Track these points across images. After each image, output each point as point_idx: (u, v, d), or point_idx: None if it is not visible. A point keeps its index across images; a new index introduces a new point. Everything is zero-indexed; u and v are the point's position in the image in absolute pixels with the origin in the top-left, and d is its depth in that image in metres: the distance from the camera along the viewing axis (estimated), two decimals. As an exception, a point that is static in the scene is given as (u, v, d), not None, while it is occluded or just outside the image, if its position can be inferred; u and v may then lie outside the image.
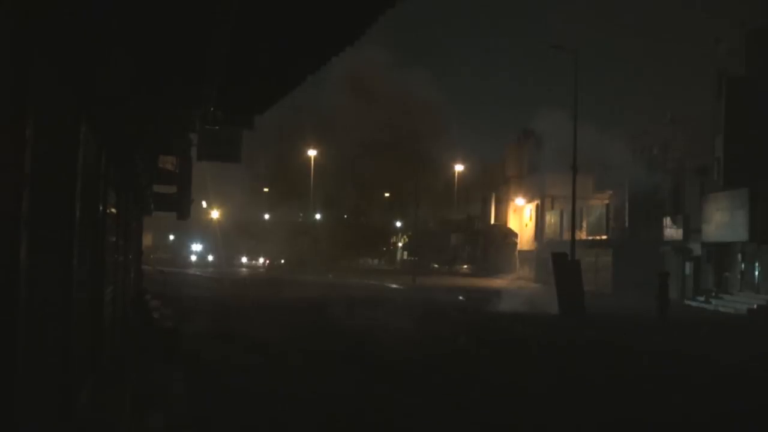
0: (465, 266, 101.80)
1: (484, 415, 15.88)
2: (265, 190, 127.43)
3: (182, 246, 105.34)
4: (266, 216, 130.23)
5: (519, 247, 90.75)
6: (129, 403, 11.21)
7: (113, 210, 14.47)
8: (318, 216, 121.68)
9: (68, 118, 8.09)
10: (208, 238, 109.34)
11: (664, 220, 59.54)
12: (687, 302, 52.68)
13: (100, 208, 11.85)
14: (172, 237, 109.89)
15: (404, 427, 14.61)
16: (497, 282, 75.67)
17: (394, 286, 68.90)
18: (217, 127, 24.48)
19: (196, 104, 9.11)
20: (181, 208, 31.82)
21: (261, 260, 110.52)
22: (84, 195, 9.11)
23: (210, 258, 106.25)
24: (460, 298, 54.27)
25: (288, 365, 21.66)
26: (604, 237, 66.30)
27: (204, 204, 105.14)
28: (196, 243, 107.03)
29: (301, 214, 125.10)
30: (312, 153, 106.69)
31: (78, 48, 7.01)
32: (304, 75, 9.54)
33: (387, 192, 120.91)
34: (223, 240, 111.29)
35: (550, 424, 15.28)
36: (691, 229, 55.33)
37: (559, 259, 44.37)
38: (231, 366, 20.78)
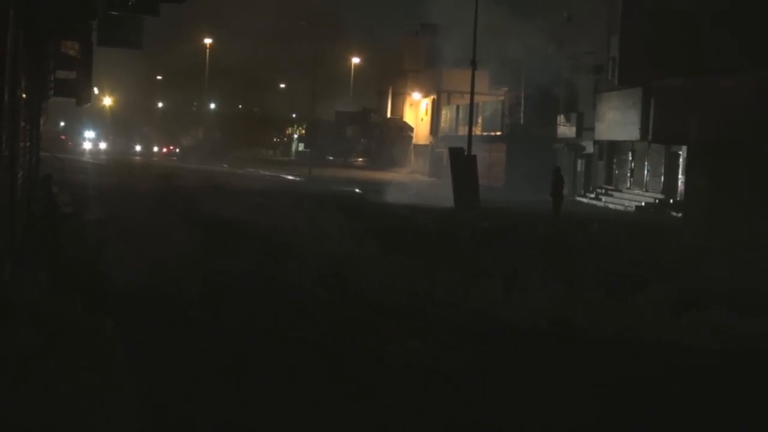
0: (360, 159, 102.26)
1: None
2: (159, 78, 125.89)
3: (74, 133, 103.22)
4: (160, 105, 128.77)
5: (414, 141, 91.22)
6: (47, 281, 11.54)
7: (24, 95, 14.55)
8: (213, 106, 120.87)
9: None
10: (100, 125, 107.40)
11: (558, 117, 60.51)
12: (578, 198, 54.03)
13: (16, 92, 11.96)
14: (62, 124, 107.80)
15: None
16: (392, 175, 76.41)
17: (290, 177, 69.06)
18: (116, 13, 24.30)
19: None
20: (81, 94, 31.52)
21: (155, 149, 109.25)
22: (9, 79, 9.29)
23: (102, 146, 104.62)
24: (357, 190, 54.84)
25: (172, 243, 22.10)
26: (498, 133, 67.13)
27: (96, 90, 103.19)
28: (89, 130, 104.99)
29: (195, 104, 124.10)
30: (208, 41, 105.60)
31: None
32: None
33: (282, 83, 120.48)
34: (117, 128, 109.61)
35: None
36: (584, 128, 56.34)
37: (455, 154, 45.13)
38: (132, 244, 21.01)
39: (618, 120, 49.80)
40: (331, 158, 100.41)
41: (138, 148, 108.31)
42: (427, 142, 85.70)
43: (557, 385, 11.77)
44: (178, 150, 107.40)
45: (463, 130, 59.09)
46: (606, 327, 14.89)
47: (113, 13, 23.37)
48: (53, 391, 7.91)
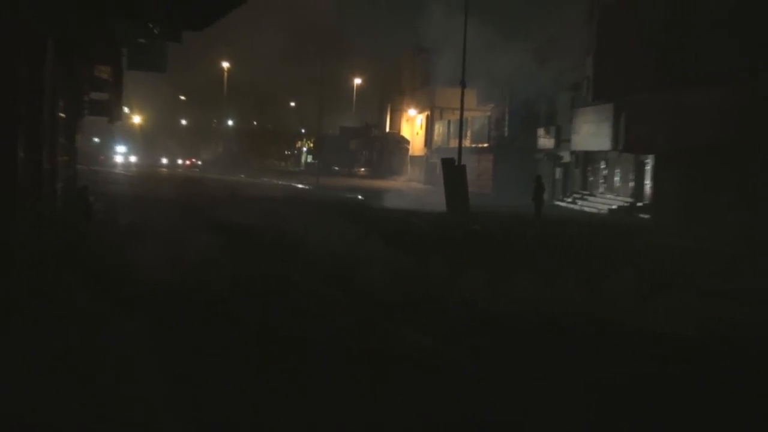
0: (362, 169, 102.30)
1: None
2: (182, 97, 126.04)
3: (107, 148, 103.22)
4: (183, 122, 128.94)
5: (411, 152, 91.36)
6: (81, 283, 11.46)
7: (62, 114, 14.45)
8: (230, 122, 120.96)
9: (37, 34, 8.14)
10: (130, 140, 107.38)
11: (539, 130, 60.44)
12: (556, 203, 53.94)
13: (55, 112, 11.88)
14: (97, 139, 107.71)
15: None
16: (391, 183, 76.49)
17: (300, 185, 69.11)
18: (143, 41, 24.28)
19: (148, 20, 9.23)
20: (112, 112, 31.51)
21: (180, 161, 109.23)
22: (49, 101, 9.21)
23: (132, 159, 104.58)
24: (359, 197, 54.82)
25: (193, 246, 21.92)
26: (485, 144, 67.07)
27: (126, 109, 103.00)
28: (120, 145, 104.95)
29: (214, 120, 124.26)
30: (225, 65, 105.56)
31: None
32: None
33: (293, 101, 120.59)
34: (145, 143, 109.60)
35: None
36: (562, 139, 56.27)
37: (447, 164, 45.04)
38: (159, 248, 20.83)
39: (592, 132, 49.74)
40: (336, 168, 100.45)
41: (164, 161, 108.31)
42: (422, 154, 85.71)
43: (550, 377, 11.60)
44: (200, 162, 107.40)
45: (454, 143, 59.02)
46: (592, 317, 14.76)
47: (141, 40, 23.34)
48: (83, 388, 7.81)
